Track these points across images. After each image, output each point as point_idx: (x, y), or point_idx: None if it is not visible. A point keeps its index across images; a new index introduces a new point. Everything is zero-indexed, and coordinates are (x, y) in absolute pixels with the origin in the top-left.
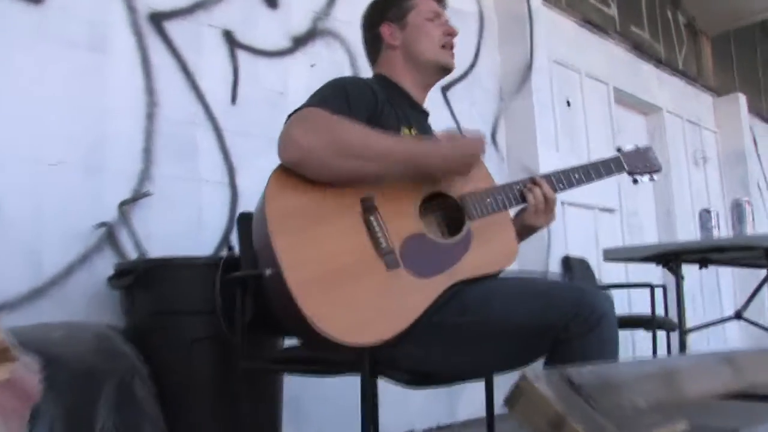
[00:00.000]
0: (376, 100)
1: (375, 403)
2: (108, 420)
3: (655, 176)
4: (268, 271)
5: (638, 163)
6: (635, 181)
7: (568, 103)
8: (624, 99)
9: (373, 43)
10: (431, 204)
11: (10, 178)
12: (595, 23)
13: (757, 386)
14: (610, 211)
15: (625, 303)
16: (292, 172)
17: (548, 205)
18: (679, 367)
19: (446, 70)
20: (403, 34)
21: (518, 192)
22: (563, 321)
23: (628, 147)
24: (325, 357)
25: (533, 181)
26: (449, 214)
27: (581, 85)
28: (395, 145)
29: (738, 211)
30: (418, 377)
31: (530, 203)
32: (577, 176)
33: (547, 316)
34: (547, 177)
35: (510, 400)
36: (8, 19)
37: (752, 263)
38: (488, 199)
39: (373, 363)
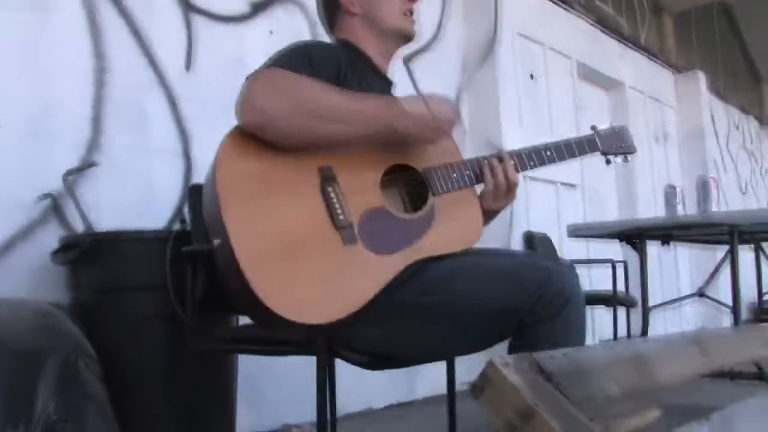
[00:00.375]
0: (339, 66)
1: (332, 382)
2: (49, 402)
3: (629, 157)
4: (216, 242)
5: (613, 143)
6: (608, 162)
7: (532, 77)
8: (587, 74)
9: (329, 7)
10: (394, 176)
11: None
12: None
13: (725, 365)
14: (571, 186)
15: (585, 280)
16: (247, 137)
17: (510, 189)
18: (649, 351)
19: (407, 37)
20: (363, 1)
21: (483, 168)
22: (529, 303)
23: (603, 126)
24: (278, 337)
25: (499, 157)
26: (413, 188)
27: (545, 58)
28: (364, 104)
29: (704, 189)
30: (376, 359)
31: (488, 185)
32: (548, 153)
33: (513, 298)
34: (518, 153)
35: (476, 389)
36: None
37: (715, 240)
38: (454, 174)
39: (328, 344)
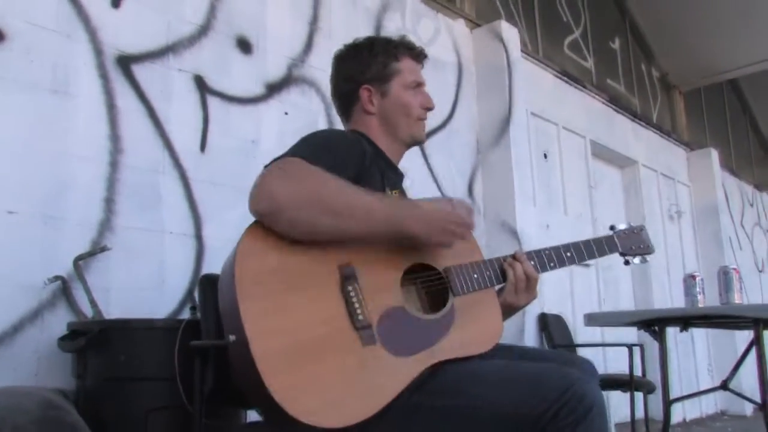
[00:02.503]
0: (364, 157)
1: None
2: None
3: (647, 257)
4: (232, 338)
5: (631, 243)
6: (626, 263)
7: (545, 156)
8: (600, 152)
9: (349, 99)
10: (414, 275)
11: None
12: (572, 76)
13: None
14: (585, 265)
15: (601, 362)
16: (268, 230)
17: (530, 284)
18: None
19: (419, 143)
20: (382, 102)
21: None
22: (551, 411)
23: (621, 226)
24: None
25: (514, 257)
26: (433, 287)
27: (558, 137)
28: (378, 204)
29: (725, 279)
30: None
31: (510, 281)
32: (569, 254)
33: (533, 405)
34: (538, 253)
35: None
36: None
37: (735, 325)
38: (475, 275)
39: None
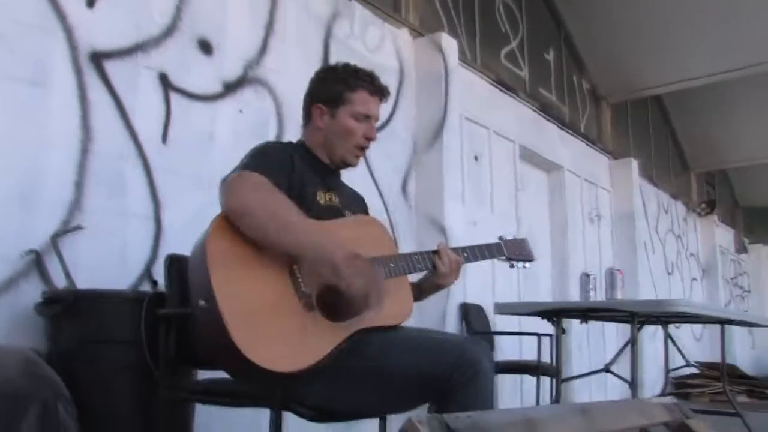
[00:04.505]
0: (293, 166)
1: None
2: None
3: (527, 264)
4: (202, 303)
5: (515, 251)
6: (511, 266)
7: (476, 158)
8: (529, 156)
9: (307, 111)
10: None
11: None
12: (506, 84)
13: (605, 429)
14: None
15: (517, 349)
16: (230, 222)
17: (457, 267)
18: (539, 417)
19: (347, 167)
20: (330, 122)
21: (419, 261)
22: (447, 372)
23: (508, 236)
24: (240, 390)
25: (437, 251)
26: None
27: (489, 141)
28: (315, 237)
29: (611, 279)
30: (321, 413)
31: (441, 269)
32: (465, 255)
33: (433, 368)
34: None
35: None
36: None
37: (623, 320)
38: (392, 264)
39: (283, 397)
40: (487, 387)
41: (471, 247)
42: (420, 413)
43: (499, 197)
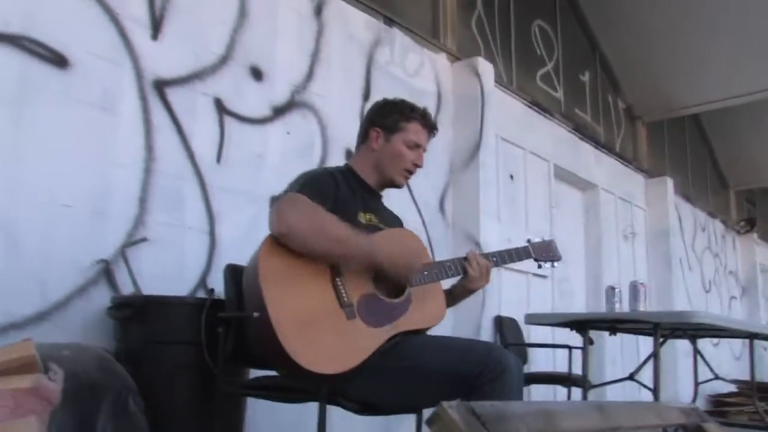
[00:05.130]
0: (336, 189)
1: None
2: (106, 427)
3: (555, 264)
4: (256, 314)
5: (543, 253)
6: (539, 266)
7: (512, 177)
8: (564, 175)
9: (363, 133)
10: (382, 273)
11: (28, 216)
12: (541, 105)
13: (621, 427)
14: (542, 277)
15: (550, 362)
16: (279, 241)
17: (487, 271)
18: (557, 409)
19: (394, 187)
20: (384, 145)
21: (450, 267)
22: (475, 371)
23: (536, 239)
24: (290, 385)
25: (467, 257)
26: (396, 280)
27: (524, 161)
28: (360, 242)
29: (634, 291)
30: (363, 407)
31: (471, 273)
32: (495, 259)
33: (464, 367)
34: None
35: (430, 421)
36: (38, 80)
37: (648, 332)
38: (425, 272)
39: (329, 392)
40: (513, 384)
41: (500, 252)
42: (451, 402)
43: (533, 215)
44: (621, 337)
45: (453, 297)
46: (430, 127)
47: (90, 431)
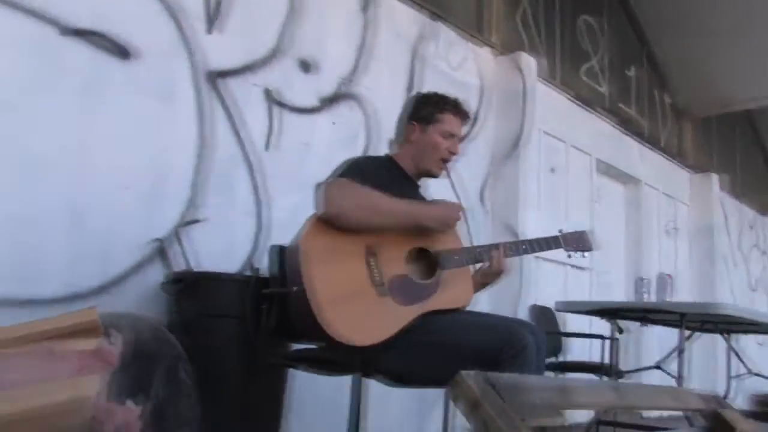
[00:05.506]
0: (377, 176)
1: (358, 401)
2: (159, 390)
3: (586, 254)
4: (295, 288)
5: (573, 243)
6: (569, 256)
7: (552, 170)
8: (606, 169)
9: (400, 127)
10: (417, 255)
11: (91, 196)
12: (585, 99)
13: (635, 407)
14: (581, 269)
15: (586, 352)
16: (322, 221)
17: (501, 266)
18: (573, 385)
19: (432, 176)
20: (421, 136)
21: (480, 254)
22: (498, 347)
23: (568, 230)
24: (326, 357)
25: (495, 246)
26: (427, 263)
27: (566, 154)
28: (401, 206)
29: (662, 282)
30: (394, 379)
31: (486, 264)
32: (524, 247)
33: (487, 343)
34: (504, 244)
35: (451, 389)
36: (104, 71)
37: (677, 324)
38: (456, 257)
39: (362, 364)
40: (531, 362)
41: (530, 240)
42: (469, 371)
43: (574, 208)
44: (659, 331)
45: (480, 282)
46: (464, 116)
47: (144, 394)
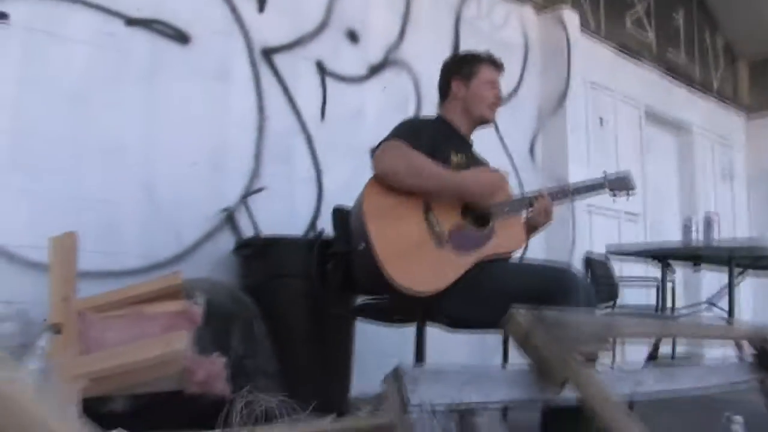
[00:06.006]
0: (430, 134)
1: (422, 347)
2: (238, 346)
3: (630, 193)
4: (362, 245)
5: (617, 184)
6: (614, 198)
7: (601, 122)
8: (656, 118)
9: (444, 88)
10: (471, 207)
11: (162, 174)
12: (631, 49)
13: (680, 336)
14: (634, 215)
15: (643, 297)
16: (380, 182)
17: (547, 210)
18: (619, 320)
19: (488, 122)
20: (465, 91)
21: (527, 202)
22: (548, 288)
23: (611, 172)
24: (390, 306)
25: (540, 194)
26: (481, 215)
27: (614, 105)
28: (450, 176)
29: (707, 222)
30: (454, 323)
31: (536, 209)
32: (571, 191)
33: (538, 285)
34: (550, 189)
35: (505, 321)
36: (163, 56)
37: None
38: (507, 207)
39: (423, 311)
40: (579, 303)
41: (575, 184)
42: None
43: (624, 158)
44: (719, 277)
45: (529, 229)
46: (499, 66)
47: (225, 349)
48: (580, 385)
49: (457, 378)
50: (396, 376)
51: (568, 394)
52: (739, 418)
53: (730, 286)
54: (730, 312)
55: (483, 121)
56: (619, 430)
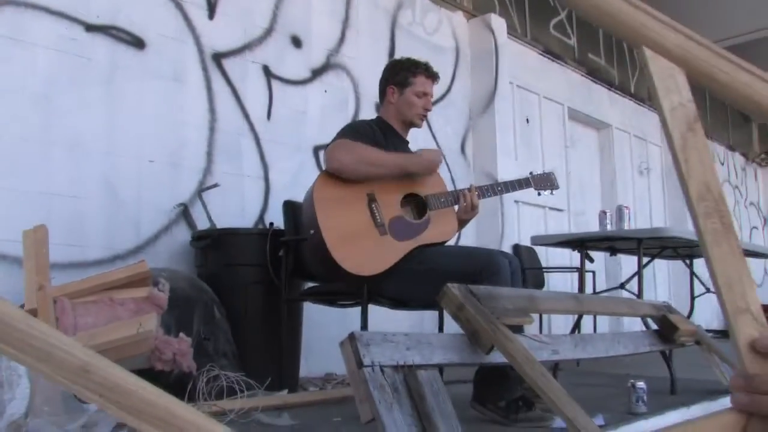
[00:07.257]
0: (375, 135)
1: (366, 325)
2: (199, 327)
3: (553, 192)
4: (312, 231)
5: (542, 183)
6: (539, 194)
7: (527, 121)
8: (578, 117)
9: (382, 92)
10: (408, 199)
11: (123, 171)
12: (555, 53)
13: (593, 312)
14: (559, 210)
15: (568, 286)
16: (329, 176)
17: (474, 205)
18: (540, 296)
19: (415, 126)
20: (399, 97)
21: (458, 196)
22: (478, 269)
23: (537, 172)
24: (338, 289)
25: (470, 189)
26: (418, 205)
27: (540, 105)
28: (392, 157)
29: (619, 213)
30: (395, 303)
31: (461, 204)
32: (499, 188)
33: (469, 267)
34: (479, 187)
35: (440, 296)
36: (121, 60)
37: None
38: (442, 199)
39: (368, 292)
40: (507, 281)
41: (504, 182)
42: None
43: (549, 154)
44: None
45: (460, 220)
46: (433, 77)
47: (188, 332)
48: (505, 350)
49: (403, 342)
50: (351, 340)
51: (495, 358)
52: (642, 384)
53: (639, 270)
54: (640, 293)
55: (412, 126)
56: (541, 386)
